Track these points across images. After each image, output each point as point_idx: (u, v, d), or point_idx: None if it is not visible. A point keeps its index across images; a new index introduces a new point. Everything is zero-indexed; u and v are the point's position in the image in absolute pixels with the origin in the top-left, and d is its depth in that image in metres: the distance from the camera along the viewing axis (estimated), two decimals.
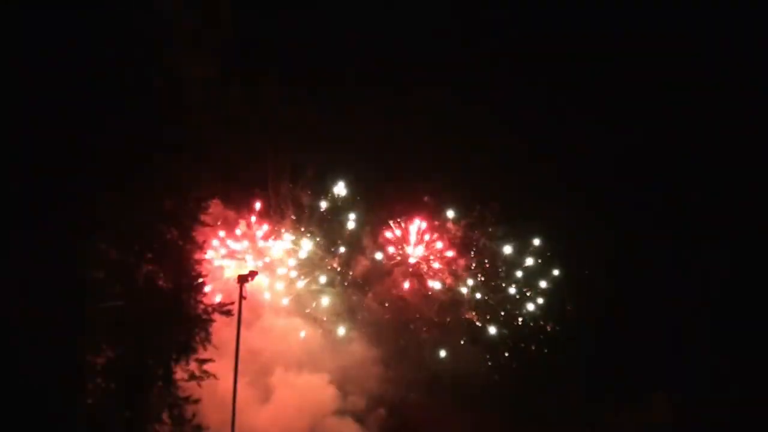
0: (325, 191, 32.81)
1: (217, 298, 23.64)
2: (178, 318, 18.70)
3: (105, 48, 16.55)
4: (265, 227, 31.25)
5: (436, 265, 33.18)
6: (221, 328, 20.14)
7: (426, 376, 31.74)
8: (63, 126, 16.49)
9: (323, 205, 32.79)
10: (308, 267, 32.25)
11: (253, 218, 30.94)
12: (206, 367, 18.86)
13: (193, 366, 18.79)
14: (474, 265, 33.65)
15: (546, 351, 33.90)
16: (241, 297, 20.40)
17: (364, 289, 32.64)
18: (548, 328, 33.87)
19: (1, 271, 16.29)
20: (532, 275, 34.14)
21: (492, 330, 33.35)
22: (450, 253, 33.26)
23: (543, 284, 34.12)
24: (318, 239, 32.25)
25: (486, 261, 33.98)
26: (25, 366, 16.30)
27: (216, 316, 19.22)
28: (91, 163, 16.93)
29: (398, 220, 33.27)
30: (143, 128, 17.28)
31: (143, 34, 17.19)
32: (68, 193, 16.83)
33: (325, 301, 32.26)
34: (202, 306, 19.14)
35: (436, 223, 33.50)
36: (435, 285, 33.08)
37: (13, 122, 16.40)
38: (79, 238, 17.18)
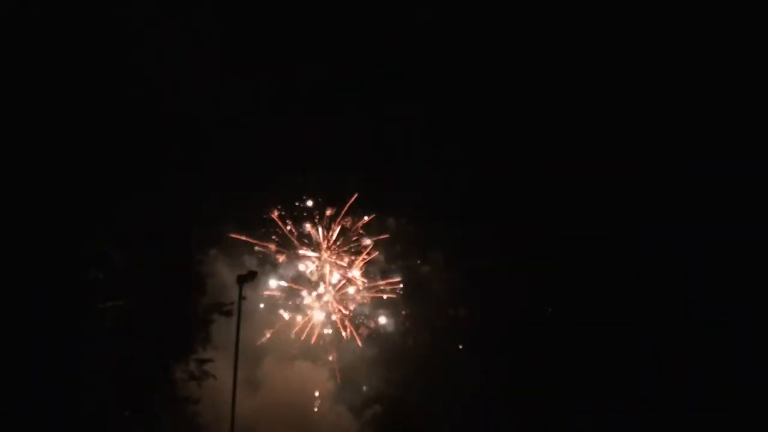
0: None
1: None
2: (178, 318, 18.79)
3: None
4: None
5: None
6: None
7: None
8: (66, 129, 16.48)
9: None
10: None
11: None
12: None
13: (193, 366, 18.98)
14: None
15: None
16: (241, 297, 20.38)
17: None
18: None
19: (3, 272, 16.27)
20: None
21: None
22: None
23: None
24: None
25: None
26: (26, 366, 16.34)
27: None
28: (94, 165, 16.95)
29: None
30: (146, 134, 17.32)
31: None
32: (69, 193, 16.82)
33: None
34: (202, 306, 19.28)
35: None
36: None
37: (18, 123, 16.37)
38: (79, 238, 17.18)
